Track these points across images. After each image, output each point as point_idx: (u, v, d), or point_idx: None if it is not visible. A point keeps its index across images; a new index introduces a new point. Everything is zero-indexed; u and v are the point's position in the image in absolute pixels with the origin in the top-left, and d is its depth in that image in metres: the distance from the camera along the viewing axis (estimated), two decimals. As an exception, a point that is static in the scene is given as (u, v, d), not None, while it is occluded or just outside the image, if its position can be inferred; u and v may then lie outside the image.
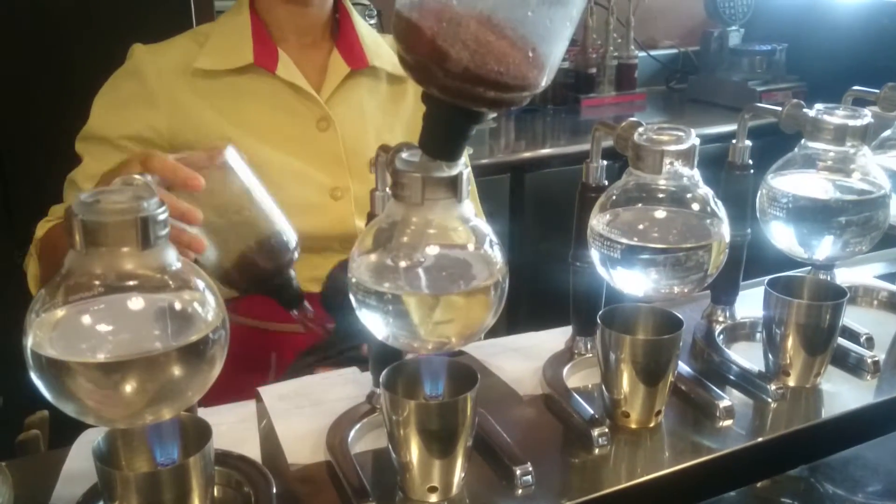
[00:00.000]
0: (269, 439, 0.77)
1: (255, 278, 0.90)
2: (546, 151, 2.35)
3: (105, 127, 1.11)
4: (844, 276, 1.04)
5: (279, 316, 1.09)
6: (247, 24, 1.14)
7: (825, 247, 0.80)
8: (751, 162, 0.87)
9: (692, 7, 3.06)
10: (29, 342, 0.52)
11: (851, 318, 0.93)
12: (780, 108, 0.81)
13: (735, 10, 2.92)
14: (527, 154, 2.32)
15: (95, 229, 0.51)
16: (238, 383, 0.82)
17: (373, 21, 2.13)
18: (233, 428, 0.78)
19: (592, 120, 2.74)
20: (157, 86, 1.11)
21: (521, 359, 0.90)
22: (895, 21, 2.45)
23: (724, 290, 0.93)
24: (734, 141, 0.87)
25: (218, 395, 0.71)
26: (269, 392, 0.85)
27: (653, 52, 3.07)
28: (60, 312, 0.53)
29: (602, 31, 2.79)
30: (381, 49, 1.21)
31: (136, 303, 0.53)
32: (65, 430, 0.74)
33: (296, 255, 0.91)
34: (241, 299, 1.09)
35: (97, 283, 0.52)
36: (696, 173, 0.70)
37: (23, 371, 0.53)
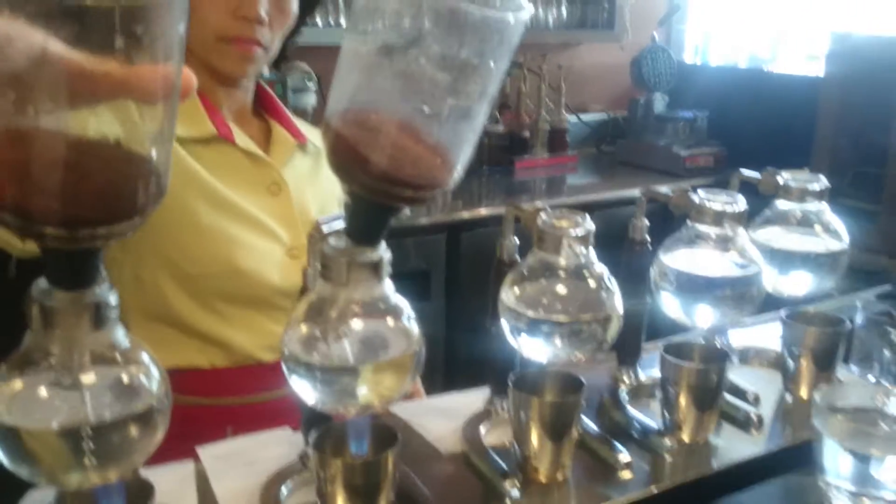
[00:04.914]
0: (206, 497, 0.83)
1: None
2: (482, 212, 2.45)
3: None
4: (739, 339, 1.15)
5: (231, 390, 1.14)
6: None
7: (706, 317, 0.91)
8: (648, 238, 0.98)
9: (619, 74, 3.24)
10: (-12, 413, 0.58)
11: (742, 377, 1.04)
12: (670, 194, 0.92)
13: (659, 78, 3.10)
14: (464, 214, 2.41)
15: (52, 314, 0.57)
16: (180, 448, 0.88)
17: (314, 89, 2.22)
18: (173, 487, 0.84)
19: (527, 181, 2.87)
20: None
21: (444, 418, 0.97)
22: (805, 91, 2.65)
23: (627, 353, 1.02)
24: (633, 219, 0.97)
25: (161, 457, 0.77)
26: (206, 452, 0.91)
27: (583, 117, 3.23)
28: (18, 385, 0.59)
29: (535, 96, 2.94)
30: (301, 126, 1.33)
31: (88, 377, 0.59)
32: (8, 491, 0.78)
33: None
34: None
35: (53, 360, 0.58)
36: (591, 253, 0.80)
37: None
